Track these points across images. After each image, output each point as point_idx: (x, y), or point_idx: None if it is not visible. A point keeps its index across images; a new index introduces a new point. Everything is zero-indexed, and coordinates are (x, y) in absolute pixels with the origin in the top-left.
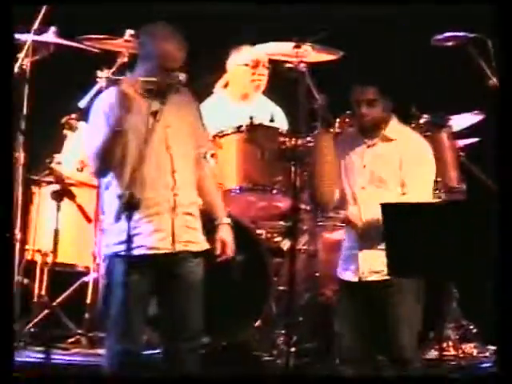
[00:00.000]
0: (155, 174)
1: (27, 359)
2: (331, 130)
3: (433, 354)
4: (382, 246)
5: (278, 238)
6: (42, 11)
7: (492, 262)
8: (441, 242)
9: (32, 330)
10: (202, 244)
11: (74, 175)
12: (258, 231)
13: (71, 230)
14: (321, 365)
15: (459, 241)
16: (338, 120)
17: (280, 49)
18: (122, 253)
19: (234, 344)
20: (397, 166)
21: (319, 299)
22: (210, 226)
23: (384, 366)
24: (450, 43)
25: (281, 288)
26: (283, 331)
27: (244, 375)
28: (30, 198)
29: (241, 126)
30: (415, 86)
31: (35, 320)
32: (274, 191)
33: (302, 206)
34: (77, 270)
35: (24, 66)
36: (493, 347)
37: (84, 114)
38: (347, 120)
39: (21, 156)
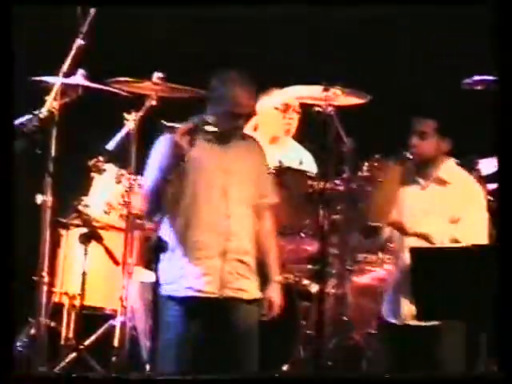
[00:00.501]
0: (209, 217)
1: None
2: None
3: None
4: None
5: (306, 282)
6: (71, 54)
7: None
8: (470, 285)
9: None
10: (252, 293)
11: (101, 218)
12: (286, 275)
13: (99, 273)
14: None
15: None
16: (366, 164)
17: (309, 92)
18: (173, 293)
19: None
20: (449, 213)
21: (347, 343)
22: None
23: None
24: (479, 87)
25: (309, 332)
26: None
27: None
28: (58, 240)
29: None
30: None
31: (63, 363)
32: (302, 234)
33: (330, 250)
34: (104, 312)
35: (52, 109)
36: None
37: (111, 157)
38: (375, 164)
39: (49, 198)
